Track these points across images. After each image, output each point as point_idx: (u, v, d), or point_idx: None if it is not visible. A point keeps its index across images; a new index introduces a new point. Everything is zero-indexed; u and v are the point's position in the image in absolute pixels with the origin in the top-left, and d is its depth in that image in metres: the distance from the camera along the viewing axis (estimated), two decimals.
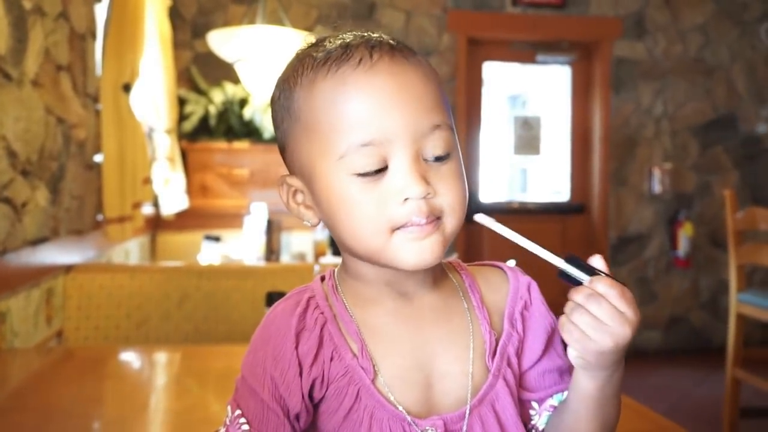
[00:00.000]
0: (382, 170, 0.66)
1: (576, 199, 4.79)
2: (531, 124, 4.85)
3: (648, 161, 4.65)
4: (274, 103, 0.74)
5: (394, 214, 0.66)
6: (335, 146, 0.66)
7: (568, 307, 0.67)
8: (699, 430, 1.76)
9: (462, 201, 0.69)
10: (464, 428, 0.71)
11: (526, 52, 4.73)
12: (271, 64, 3.20)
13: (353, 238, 0.69)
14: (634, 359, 2.25)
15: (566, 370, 0.77)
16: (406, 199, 0.65)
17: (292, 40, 3.15)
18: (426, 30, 4.37)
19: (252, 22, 3.74)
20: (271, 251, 3.58)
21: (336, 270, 0.78)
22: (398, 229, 0.66)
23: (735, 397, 2.96)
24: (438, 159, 0.68)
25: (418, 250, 0.67)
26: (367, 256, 0.69)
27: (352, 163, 0.66)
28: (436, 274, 0.77)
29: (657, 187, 4.60)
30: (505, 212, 4.61)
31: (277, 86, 0.74)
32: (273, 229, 3.60)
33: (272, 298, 1.43)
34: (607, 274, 0.67)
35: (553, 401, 0.77)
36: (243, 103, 3.97)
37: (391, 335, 0.72)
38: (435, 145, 0.67)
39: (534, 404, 0.77)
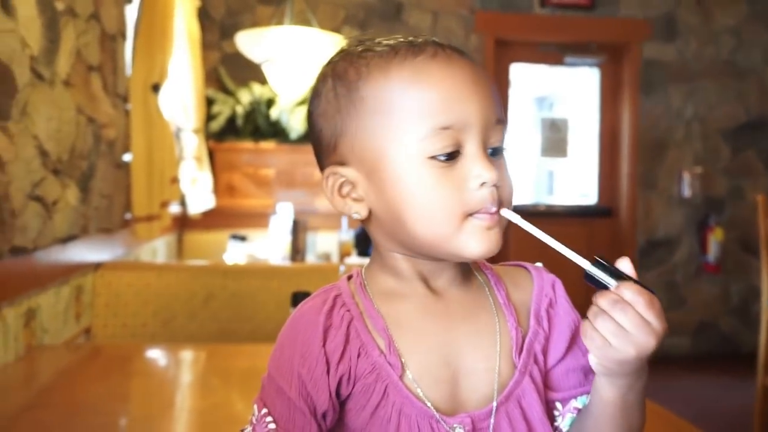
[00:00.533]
0: (456, 156, 0.68)
1: (603, 203, 4.75)
2: (558, 127, 4.81)
3: (678, 165, 4.59)
4: (321, 96, 0.74)
5: (470, 198, 0.67)
6: (416, 129, 0.68)
7: (591, 312, 0.66)
8: None
9: (513, 195, 0.72)
10: (491, 426, 0.70)
11: (554, 53, 4.69)
12: (298, 65, 3.22)
13: (423, 223, 0.69)
14: (661, 365, 2.21)
15: (590, 370, 0.75)
16: (482, 184, 0.67)
17: (319, 41, 3.16)
18: (453, 31, 4.36)
19: (280, 22, 3.76)
20: (297, 251, 3.59)
21: (363, 269, 0.78)
22: (470, 216, 0.68)
23: (765, 406, 2.91)
24: (495, 152, 0.71)
25: (487, 239, 0.68)
26: (433, 243, 0.69)
27: (433, 145, 0.67)
28: (465, 271, 0.77)
29: (687, 191, 4.54)
30: (531, 215, 4.57)
31: (326, 80, 0.74)
32: (298, 229, 3.61)
33: (298, 298, 1.43)
34: (634, 280, 0.65)
35: (577, 403, 0.76)
36: (270, 103, 3.99)
37: (419, 331, 0.72)
38: (497, 138, 0.71)
39: (558, 405, 0.77)
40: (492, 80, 0.73)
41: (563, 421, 0.76)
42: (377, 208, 0.72)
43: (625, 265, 0.67)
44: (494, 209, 0.68)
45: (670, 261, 4.60)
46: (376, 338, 0.71)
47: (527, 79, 5.30)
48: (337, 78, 0.73)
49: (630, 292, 0.63)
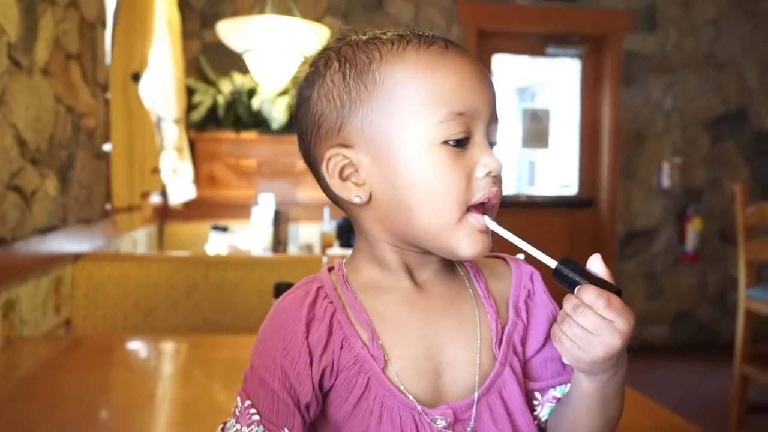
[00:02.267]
0: (465, 143, 0.70)
1: (584, 193, 4.78)
2: (540, 117, 4.83)
3: (657, 155, 4.63)
4: (323, 79, 0.74)
5: (477, 185, 0.70)
6: (431, 113, 0.69)
7: (559, 317, 0.67)
8: (706, 425, 1.77)
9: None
10: (473, 416, 0.71)
11: (536, 44, 4.71)
12: (280, 55, 3.20)
13: (428, 208, 0.70)
14: (640, 354, 2.25)
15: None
16: (487, 173, 0.70)
17: (301, 31, 3.14)
18: (435, 21, 4.35)
19: (261, 12, 3.73)
20: (279, 242, 3.59)
21: (345, 260, 0.78)
22: (469, 210, 0.70)
23: (742, 394, 2.96)
24: (492, 145, 0.73)
25: (480, 240, 0.70)
26: (432, 232, 0.70)
27: (447, 130, 0.69)
28: (448, 264, 0.78)
29: (666, 182, 4.58)
30: (512, 206, 4.59)
31: (330, 63, 0.74)
32: (280, 220, 3.60)
33: (281, 289, 1.43)
34: (598, 279, 0.66)
35: (556, 393, 0.78)
36: (251, 93, 3.96)
37: (402, 324, 0.73)
38: (495, 132, 0.74)
39: (537, 395, 0.78)
40: (491, 78, 0.75)
41: (542, 410, 0.78)
42: (380, 193, 0.72)
43: (595, 263, 0.68)
44: (498, 192, 0.71)
45: (650, 251, 4.65)
46: (358, 331, 0.71)
47: (509, 69, 5.32)
48: (345, 61, 0.73)
49: (589, 295, 0.65)
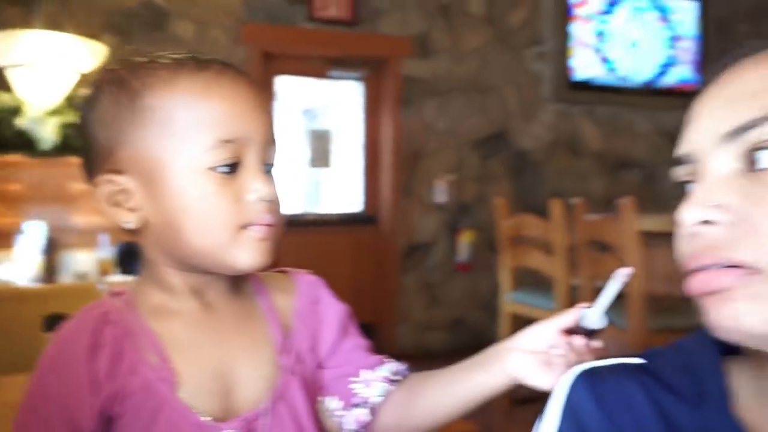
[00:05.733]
0: (236, 169, 0.71)
1: (368, 211, 4.99)
2: (324, 138, 4.97)
3: (433, 173, 4.95)
4: (98, 103, 0.73)
5: (246, 210, 0.71)
6: (200, 140, 0.70)
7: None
8: (480, 417, 1.96)
9: (282, 209, 0.77)
10: (264, 425, 0.75)
11: (320, 66, 4.84)
12: (50, 71, 3.00)
13: (200, 232, 0.70)
14: (421, 358, 2.42)
15: (370, 348, 0.85)
16: (259, 198, 0.71)
17: (74, 47, 2.97)
18: (219, 42, 4.32)
19: (29, 26, 3.47)
20: (51, 271, 3.34)
21: (132, 286, 0.78)
22: (245, 227, 0.71)
23: (509, 390, 3.26)
24: (268, 168, 0.75)
25: (259, 250, 0.72)
26: (208, 254, 0.71)
27: (215, 156, 0.70)
28: (234, 283, 0.80)
29: (441, 197, 4.92)
30: (302, 225, 4.67)
31: (104, 87, 0.74)
32: (52, 247, 3.36)
33: (52, 321, 1.35)
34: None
35: (383, 371, 0.83)
36: (16, 111, 3.65)
37: (192, 346, 0.74)
38: (271, 155, 0.75)
39: (353, 379, 0.83)
40: (269, 102, 0.79)
41: (372, 390, 0.82)
42: (153, 219, 0.73)
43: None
44: (270, 219, 0.72)
45: (427, 263, 4.96)
46: (148, 355, 0.71)
47: (295, 91, 5.41)
48: (119, 85, 0.72)
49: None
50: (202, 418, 0.71)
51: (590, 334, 0.76)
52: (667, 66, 5.61)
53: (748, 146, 0.52)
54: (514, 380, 0.79)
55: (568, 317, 0.77)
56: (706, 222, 0.52)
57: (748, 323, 0.50)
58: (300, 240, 4.30)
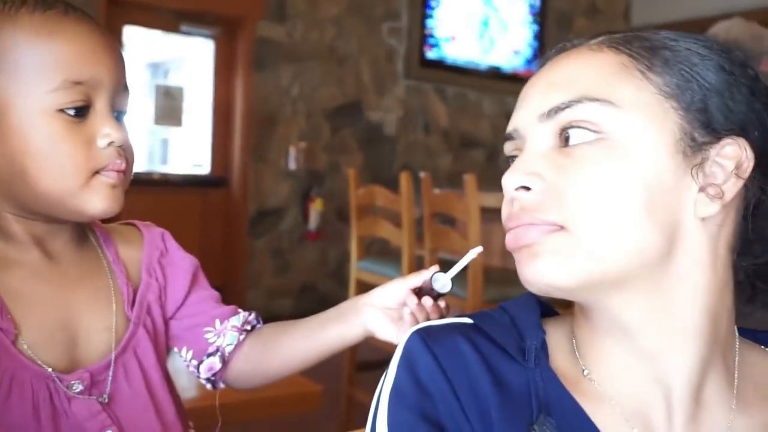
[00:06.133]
0: (85, 112, 0.69)
1: (217, 173, 4.87)
2: (173, 95, 4.77)
3: (286, 139, 4.92)
4: None
5: (98, 155, 0.69)
6: (46, 81, 0.67)
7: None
8: (325, 383, 2.01)
9: (135, 157, 0.76)
10: (110, 376, 0.74)
11: (170, 20, 4.63)
12: None
13: (49, 177, 0.67)
14: (271, 323, 2.43)
15: (219, 299, 0.86)
16: (110, 143, 0.70)
17: None
18: None
19: None
20: None
21: None
22: (98, 172, 0.69)
23: (353, 353, 3.34)
24: (120, 115, 0.74)
25: (110, 196, 0.70)
26: (57, 199, 0.68)
27: (63, 98, 0.67)
28: (80, 233, 0.78)
29: (293, 164, 4.91)
30: (145, 183, 4.47)
31: None
32: None
33: None
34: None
35: (235, 321, 0.84)
36: None
37: (35, 297, 0.72)
38: (123, 103, 0.74)
39: (206, 329, 0.84)
40: (119, 47, 0.75)
41: (223, 339, 0.84)
42: None
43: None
44: (122, 165, 0.71)
45: (278, 229, 4.94)
46: None
47: (141, 43, 5.14)
48: None
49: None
50: (45, 368, 0.69)
51: (437, 296, 0.82)
52: (514, 53, 5.91)
53: (562, 125, 0.59)
54: (368, 333, 0.85)
55: (418, 278, 0.83)
56: (524, 188, 0.58)
57: (550, 275, 0.56)
58: (145, 199, 4.11)
